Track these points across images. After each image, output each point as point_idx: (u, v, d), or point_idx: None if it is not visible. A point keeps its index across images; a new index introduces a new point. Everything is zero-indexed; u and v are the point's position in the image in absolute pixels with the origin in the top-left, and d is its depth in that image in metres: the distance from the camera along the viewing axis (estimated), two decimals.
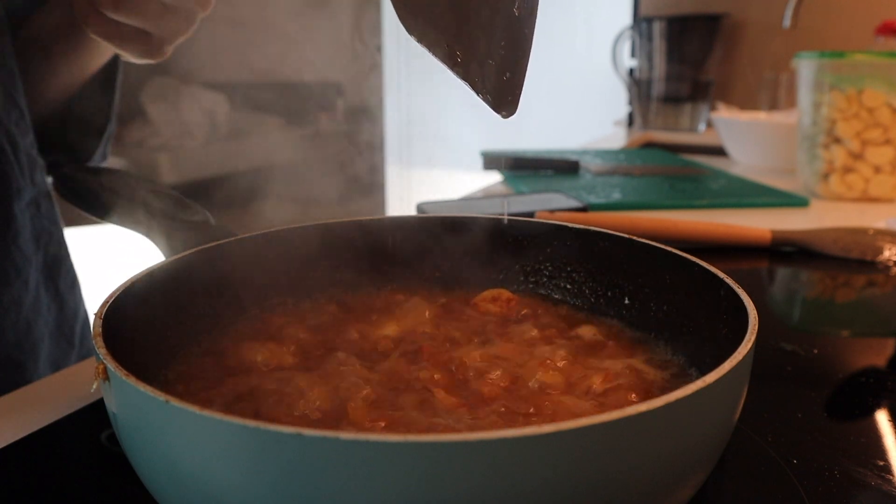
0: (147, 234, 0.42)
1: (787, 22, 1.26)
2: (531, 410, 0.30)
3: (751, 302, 0.30)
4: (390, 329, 0.38)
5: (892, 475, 0.34)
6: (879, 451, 0.37)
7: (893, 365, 0.49)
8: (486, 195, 1.01)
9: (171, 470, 0.23)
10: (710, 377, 0.23)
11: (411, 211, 0.75)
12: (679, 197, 0.95)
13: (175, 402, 0.22)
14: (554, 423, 0.20)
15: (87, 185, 0.44)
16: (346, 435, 0.20)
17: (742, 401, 0.27)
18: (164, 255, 0.40)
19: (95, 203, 0.44)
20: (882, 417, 0.41)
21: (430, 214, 0.45)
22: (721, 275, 0.33)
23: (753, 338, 0.27)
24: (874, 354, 0.52)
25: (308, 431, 0.20)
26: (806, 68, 1.00)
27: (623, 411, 0.21)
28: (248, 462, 0.21)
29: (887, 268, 0.68)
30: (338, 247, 0.43)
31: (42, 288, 0.61)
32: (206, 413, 0.21)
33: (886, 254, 0.70)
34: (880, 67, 0.93)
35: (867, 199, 0.96)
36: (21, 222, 0.58)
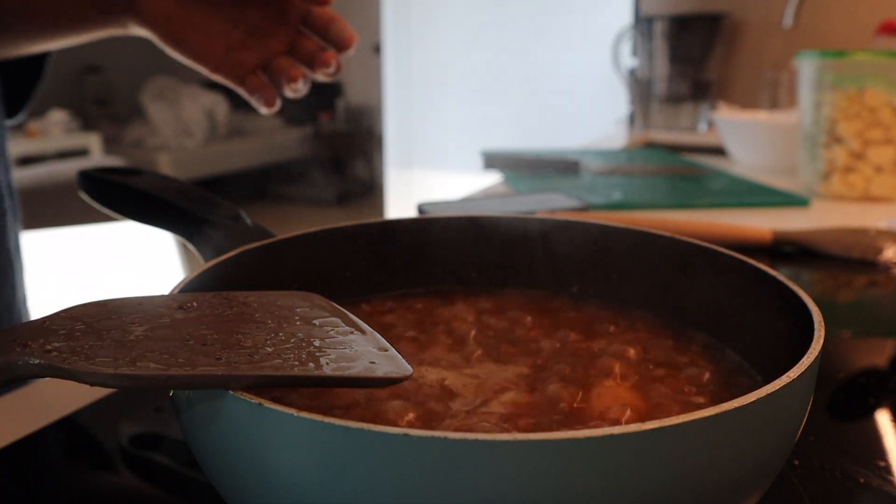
0: (181, 234, 0.42)
1: (787, 21, 1.26)
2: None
3: (814, 304, 0.29)
4: None
5: (893, 475, 0.34)
6: (880, 451, 0.37)
7: (894, 365, 0.49)
8: (487, 195, 1.01)
9: (260, 474, 0.22)
10: (779, 382, 0.23)
11: (411, 211, 0.74)
12: (679, 197, 0.95)
13: (269, 405, 0.21)
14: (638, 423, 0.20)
15: (115, 185, 0.44)
16: (454, 435, 0.19)
17: (810, 404, 0.26)
18: (202, 254, 0.39)
19: (125, 204, 0.44)
20: (883, 418, 0.41)
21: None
22: (777, 275, 0.33)
23: (821, 342, 0.26)
24: (875, 354, 0.52)
25: (415, 432, 0.20)
26: (807, 68, 1.00)
27: (696, 413, 0.21)
28: (349, 464, 0.21)
29: (888, 268, 0.68)
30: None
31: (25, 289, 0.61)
32: (304, 415, 0.21)
33: (888, 254, 0.69)
34: (881, 67, 0.93)
35: (868, 198, 0.96)
36: (5, 222, 0.57)
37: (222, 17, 0.55)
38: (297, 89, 0.55)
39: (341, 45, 0.55)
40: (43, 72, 0.63)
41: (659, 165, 1.16)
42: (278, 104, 0.56)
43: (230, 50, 0.55)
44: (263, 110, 0.56)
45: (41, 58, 0.63)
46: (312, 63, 0.55)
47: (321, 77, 0.56)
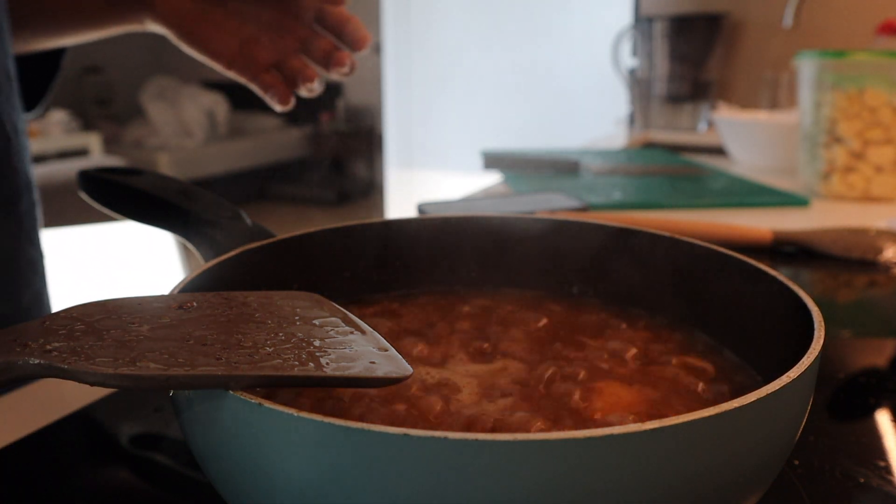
0: (181, 234, 0.42)
1: (787, 21, 1.26)
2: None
3: (814, 303, 0.29)
4: None
5: (893, 475, 0.34)
6: (880, 451, 0.37)
7: (894, 365, 0.49)
8: (487, 195, 1.01)
9: (260, 474, 0.22)
10: (779, 382, 0.23)
11: (411, 211, 0.74)
12: (679, 197, 0.95)
13: (268, 405, 0.21)
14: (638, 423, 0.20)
15: (115, 185, 0.44)
16: (454, 435, 0.19)
17: (810, 404, 0.26)
18: (201, 254, 0.39)
19: (125, 204, 0.44)
20: (883, 418, 0.41)
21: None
22: (777, 275, 0.33)
23: (821, 342, 0.26)
24: (875, 354, 0.52)
25: (415, 432, 0.20)
26: (807, 68, 1.00)
27: (703, 412, 0.21)
28: (349, 464, 0.21)
29: (888, 268, 0.68)
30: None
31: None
32: (304, 415, 0.21)
33: (888, 254, 0.69)
34: (881, 67, 0.93)
35: (868, 198, 0.96)
36: (34, 215, 0.57)
37: (237, 14, 0.55)
38: (312, 89, 0.56)
39: (355, 45, 0.55)
40: (59, 67, 0.64)
41: (659, 165, 1.16)
42: (293, 102, 0.56)
43: (244, 46, 0.55)
44: (278, 108, 0.56)
45: (57, 53, 0.63)
46: (327, 62, 0.55)
47: (335, 76, 0.56)
